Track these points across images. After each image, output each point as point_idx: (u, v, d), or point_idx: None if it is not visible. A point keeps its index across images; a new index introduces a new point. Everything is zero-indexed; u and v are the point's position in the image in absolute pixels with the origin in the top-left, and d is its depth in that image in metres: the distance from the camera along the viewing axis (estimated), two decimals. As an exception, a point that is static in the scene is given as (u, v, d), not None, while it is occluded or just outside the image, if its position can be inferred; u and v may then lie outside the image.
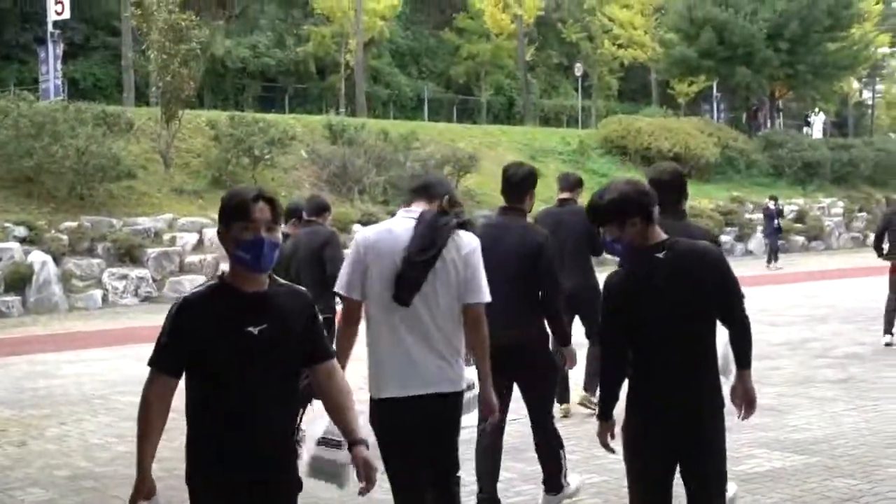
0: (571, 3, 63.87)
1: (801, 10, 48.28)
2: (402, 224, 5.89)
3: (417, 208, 5.96)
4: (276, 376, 4.47)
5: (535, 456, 8.82)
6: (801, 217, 42.41)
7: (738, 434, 10.32)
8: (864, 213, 45.92)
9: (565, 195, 11.02)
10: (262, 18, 54.50)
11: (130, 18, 36.37)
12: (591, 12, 60.76)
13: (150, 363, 4.45)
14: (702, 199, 39.46)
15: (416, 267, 5.74)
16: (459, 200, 6.56)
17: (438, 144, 35.17)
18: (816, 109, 65.37)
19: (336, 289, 5.97)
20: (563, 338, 8.05)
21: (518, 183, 7.89)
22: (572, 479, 8.25)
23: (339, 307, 6.33)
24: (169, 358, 4.41)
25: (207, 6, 48.05)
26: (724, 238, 37.54)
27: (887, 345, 16.07)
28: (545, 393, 8.03)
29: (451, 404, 5.86)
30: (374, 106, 50.68)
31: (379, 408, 5.85)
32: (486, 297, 5.93)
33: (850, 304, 22.11)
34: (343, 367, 5.51)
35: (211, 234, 26.99)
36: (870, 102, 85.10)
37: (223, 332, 4.38)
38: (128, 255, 25.67)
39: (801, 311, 21.18)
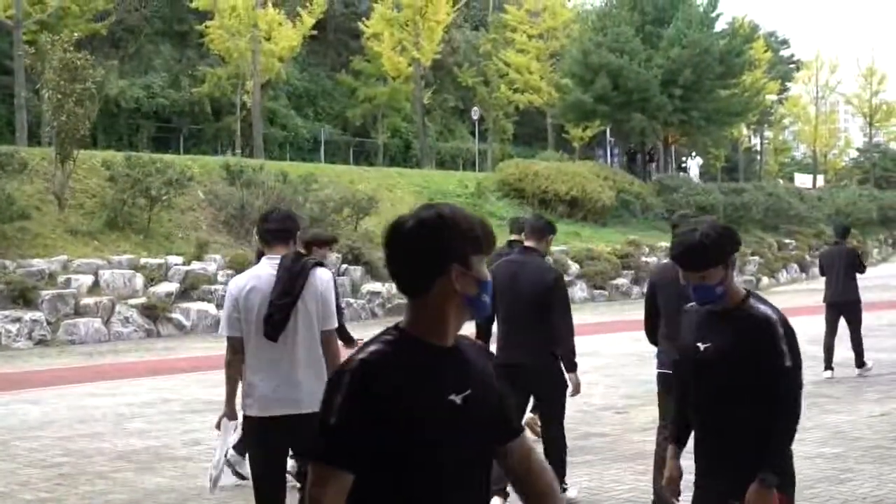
0: (467, 47, 64.37)
1: (694, 58, 49.10)
2: (266, 270, 6.95)
3: (278, 253, 6.98)
4: (481, 458, 3.33)
5: None
6: (695, 260, 42.90)
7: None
8: (756, 257, 46.59)
9: (515, 237, 12.12)
10: (156, 59, 54.01)
11: (24, 57, 35.80)
12: (487, 57, 61.28)
13: (320, 457, 3.12)
14: (598, 243, 39.75)
15: (279, 309, 6.78)
16: (324, 238, 9.01)
17: (337, 186, 35.00)
18: (693, 154, 66.45)
19: (220, 331, 7.21)
20: (570, 364, 9.03)
21: (540, 229, 9.39)
22: (571, 488, 9.37)
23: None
24: (349, 447, 3.09)
25: (100, 46, 47.45)
26: (620, 281, 37.84)
27: (828, 379, 16.74)
28: (556, 405, 9.19)
29: (308, 421, 5.98)
30: (270, 147, 50.39)
31: (247, 422, 6.96)
32: (334, 322, 7.06)
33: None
34: (231, 390, 7.12)
35: (107, 275, 26.48)
36: (758, 148, 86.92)
37: (422, 403, 3.14)
38: (21, 297, 25.03)
39: (702, 353, 21.28)
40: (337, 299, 9.18)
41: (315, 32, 51.29)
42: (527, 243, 9.40)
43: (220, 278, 28.05)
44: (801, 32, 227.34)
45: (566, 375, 9.08)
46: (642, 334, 8.95)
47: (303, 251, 7.37)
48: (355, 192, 34.73)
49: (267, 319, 6.75)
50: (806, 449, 11.21)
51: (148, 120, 50.61)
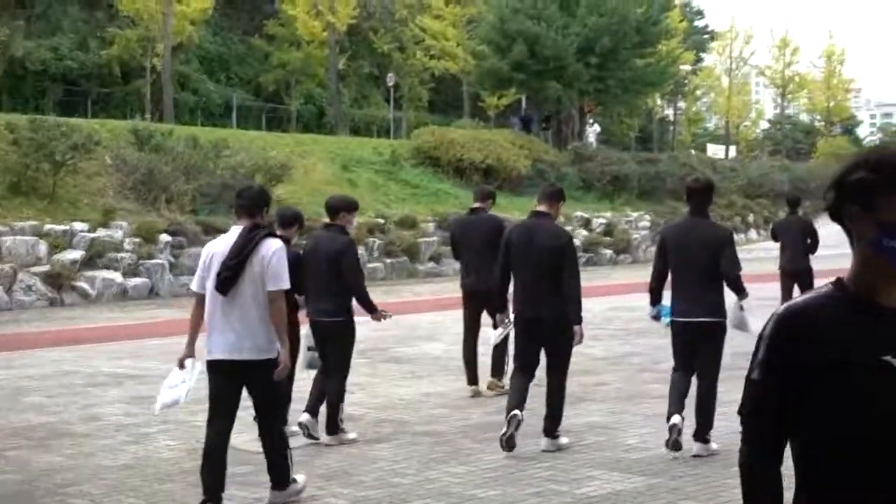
0: (383, 12, 63.65)
1: (611, 26, 48.86)
2: (230, 237, 8.22)
3: (243, 223, 8.21)
4: None
5: (364, 480, 8.62)
6: (609, 230, 42.81)
7: (575, 454, 9.98)
8: (669, 227, 46.63)
9: (477, 205, 13.36)
10: (64, 20, 52.66)
11: (-77, 15, 34.65)
12: (403, 22, 60.63)
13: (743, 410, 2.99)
14: (514, 212, 39.39)
15: (228, 269, 8.00)
16: (295, 214, 10.74)
17: (249, 152, 34.27)
18: (591, 121, 66.28)
19: (192, 286, 8.53)
20: (577, 316, 10.02)
21: (550, 195, 10.49)
22: (563, 437, 10.25)
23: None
24: (771, 397, 2.91)
25: (6, 5, 46.20)
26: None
27: None
28: (564, 356, 10.20)
29: (252, 367, 8.05)
30: (181, 113, 49.43)
31: (207, 363, 8.19)
32: (282, 284, 8.11)
33: (664, 318, 22.07)
34: (192, 336, 8.36)
35: (9, 242, 25.62)
36: (672, 118, 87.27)
37: (851, 359, 2.77)
38: (-82, 264, 24.17)
39: (617, 324, 21.07)
40: (357, 264, 10.69)
41: (228, -5, 50.44)
42: (539, 208, 10.33)
43: (126, 246, 27.31)
44: (715, 3, 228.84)
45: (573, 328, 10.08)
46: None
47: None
48: (268, 158, 34.05)
49: (217, 276, 8.03)
50: (732, 425, 10.90)
51: (55, 83, 49.33)
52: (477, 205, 13.35)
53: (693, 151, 77.03)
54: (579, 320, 10.04)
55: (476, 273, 12.79)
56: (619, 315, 22.50)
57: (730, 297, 9.96)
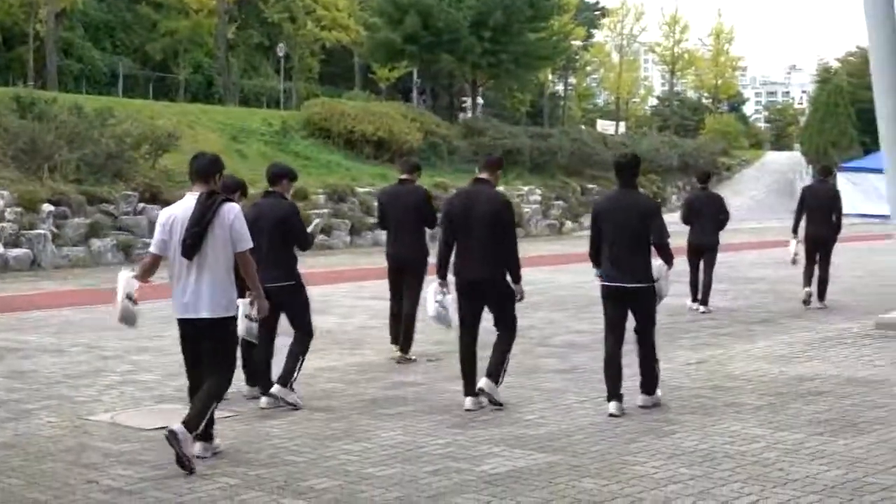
0: (274, -19, 62.88)
1: (504, 0, 48.74)
2: (188, 203, 8.68)
3: (198, 190, 8.68)
4: None
5: (257, 458, 8.36)
6: (501, 204, 42.65)
7: (473, 430, 9.75)
8: (560, 202, 46.70)
9: (405, 176, 13.83)
10: (-58, -17, 51.14)
11: None
12: (295, -7, 59.94)
13: None
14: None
15: (191, 235, 8.49)
16: (239, 182, 10.98)
17: (135, 122, 33.48)
18: (477, 95, 66.50)
19: (150, 249, 8.89)
20: (516, 276, 10.62)
21: (490, 163, 10.96)
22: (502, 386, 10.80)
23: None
24: None
25: None
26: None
27: (691, 310, 18.33)
28: (508, 314, 10.71)
29: (210, 325, 8.61)
30: (65, 80, 48.36)
31: (178, 323, 8.77)
32: (248, 244, 8.71)
33: (557, 291, 22.00)
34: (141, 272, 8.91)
35: None
36: (563, 94, 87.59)
37: None
38: None
39: (511, 298, 20.82)
40: (304, 227, 11.26)
41: (114, -39, 49.33)
42: (480, 176, 10.80)
43: (7, 215, 26.46)
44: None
45: (513, 287, 10.64)
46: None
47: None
48: (155, 127, 33.30)
49: (182, 243, 8.51)
50: (625, 398, 10.76)
51: (-67, 48, 48.04)
52: (405, 176, 13.85)
53: (583, 126, 77.35)
54: (519, 279, 10.65)
55: (399, 243, 13.54)
56: (513, 289, 22.26)
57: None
